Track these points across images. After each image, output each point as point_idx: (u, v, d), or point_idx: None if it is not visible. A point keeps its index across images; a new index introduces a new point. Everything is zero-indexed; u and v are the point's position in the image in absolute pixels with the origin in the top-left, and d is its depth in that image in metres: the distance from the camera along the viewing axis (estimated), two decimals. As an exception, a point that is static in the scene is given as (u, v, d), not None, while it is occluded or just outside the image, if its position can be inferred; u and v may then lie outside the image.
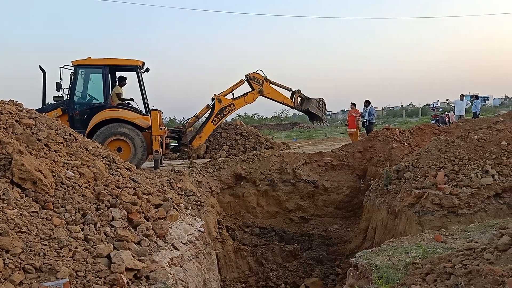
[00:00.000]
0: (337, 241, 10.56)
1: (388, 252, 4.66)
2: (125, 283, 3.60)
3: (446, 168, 7.71)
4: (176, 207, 6.18)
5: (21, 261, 3.29)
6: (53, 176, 4.58)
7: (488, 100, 65.37)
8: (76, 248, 3.72)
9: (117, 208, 4.74)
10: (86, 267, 3.57)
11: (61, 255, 3.55)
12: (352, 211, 11.65)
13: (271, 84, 14.03)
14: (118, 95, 10.73)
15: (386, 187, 8.62)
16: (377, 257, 4.57)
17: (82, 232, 4.03)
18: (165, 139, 11.34)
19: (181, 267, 4.62)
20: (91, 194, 4.77)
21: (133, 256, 3.99)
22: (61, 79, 9.96)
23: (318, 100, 14.68)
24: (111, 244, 4.03)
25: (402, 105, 68.51)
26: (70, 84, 10.16)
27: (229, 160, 11.78)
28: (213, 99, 13.72)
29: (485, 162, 7.59)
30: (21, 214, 3.78)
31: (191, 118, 14.44)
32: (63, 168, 4.91)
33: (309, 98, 14.61)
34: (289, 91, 14.42)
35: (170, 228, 5.30)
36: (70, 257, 3.59)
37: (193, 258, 5.24)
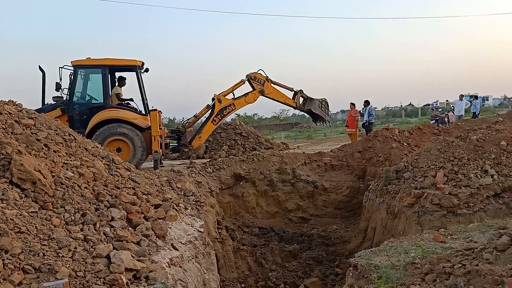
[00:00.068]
0: (337, 241, 10.56)
1: (388, 252, 4.66)
2: (125, 283, 3.60)
3: (445, 168, 7.72)
4: (176, 207, 6.18)
5: (21, 261, 3.29)
6: (53, 176, 4.58)
7: (487, 100, 65.43)
8: (75, 248, 3.72)
9: (116, 208, 4.74)
10: (85, 267, 3.57)
11: (61, 255, 3.55)
12: (351, 211, 11.65)
13: (272, 84, 13.92)
14: (118, 95, 10.72)
15: (386, 187, 8.62)
16: (376, 257, 4.57)
17: (81, 232, 4.03)
18: (165, 139, 11.33)
19: (180, 267, 4.62)
20: (91, 194, 4.77)
21: (133, 256, 3.99)
22: (60, 79, 9.96)
23: (320, 100, 14.56)
24: (111, 244, 4.03)
25: (401, 105, 68.60)
26: (70, 84, 10.16)
27: (228, 160, 11.78)
28: (213, 99, 13.68)
29: (485, 162, 7.60)
30: (20, 215, 3.78)
31: (190, 118, 14.42)
32: (62, 168, 4.91)
33: (312, 98, 14.49)
34: (291, 91, 14.30)
35: (170, 228, 5.30)
36: (70, 257, 3.59)
37: (192, 258, 5.24)
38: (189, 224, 6.07)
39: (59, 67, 9.95)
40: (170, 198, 6.35)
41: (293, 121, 48.28)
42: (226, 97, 13.82)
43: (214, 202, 10.32)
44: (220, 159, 12.19)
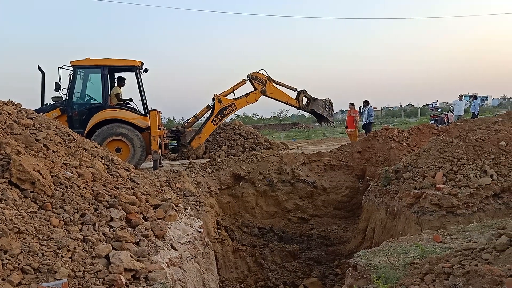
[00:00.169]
0: (336, 241, 10.56)
1: (387, 252, 4.66)
2: (124, 283, 3.59)
3: (444, 168, 7.72)
4: (175, 208, 6.17)
5: (20, 262, 3.29)
6: (52, 176, 4.57)
7: (487, 100, 65.56)
8: (74, 248, 3.72)
9: (115, 209, 4.74)
10: (84, 268, 3.57)
11: (60, 255, 3.54)
12: (351, 211, 11.66)
13: (274, 84, 13.85)
14: (117, 95, 10.72)
15: (385, 187, 8.62)
16: (375, 257, 4.57)
17: (80, 233, 4.03)
18: (164, 139, 11.33)
19: (179, 267, 4.62)
20: (90, 195, 4.77)
21: (132, 257, 3.99)
22: (59, 79, 9.96)
23: (324, 100, 14.48)
24: (110, 245, 4.03)
25: (401, 105, 68.67)
26: (69, 84, 10.16)
27: (228, 161, 11.78)
28: (213, 99, 13.65)
29: (484, 162, 7.60)
30: (19, 215, 3.77)
31: (190, 118, 14.41)
32: (61, 169, 4.90)
33: (315, 99, 14.40)
34: (294, 91, 14.22)
35: (169, 228, 5.29)
36: (69, 258, 3.59)
37: (192, 258, 5.24)
38: (188, 224, 6.06)
39: (59, 67, 9.96)
40: (170, 198, 6.35)
41: (292, 121, 48.32)
42: (226, 97, 13.77)
43: (214, 202, 10.32)
44: (219, 159, 12.18)
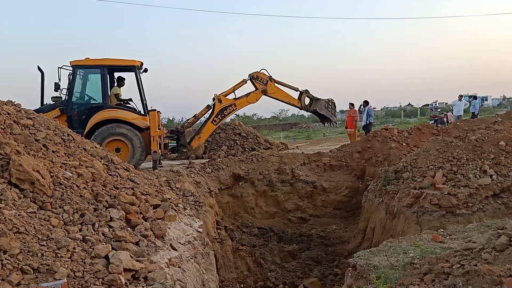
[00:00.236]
0: (336, 241, 10.56)
1: (387, 252, 4.66)
2: (123, 283, 3.59)
3: (444, 168, 7.72)
4: (175, 208, 6.17)
5: (19, 262, 3.29)
6: (51, 176, 4.57)
7: (486, 100, 65.58)
8: (74, 248, 3.72)
9: (115, 209, 4.73)
10: (84, 268, 3.56)
11: (59, 255, 3.54)
12: (350, 211, 11.66)
13: (276, 84, 13.76)
14: (117, 95, 10.72)
15: (385, 187, 8.62)
16: (375, 257, 4.58)
17: (80, 233, 4.03)
18: (164, 139, 11.33)
19: (179, 267, 4.62)
20: (89, 195, 4.77)
21: (131, 257, 3.99)
22: (59, 79, 9.96)
23: (327, 100, 14.38)
24: (109, 245, 4.03)
25: (400, 105, 68.65)
26: (69, 84, 10.16)
27: (227, 161, 11.78)
28: (213, 99, 13.61)
29: (483, 162, 7.60)
30: (19, 215, 3.77)
31: (190, 118, 14.38)
32: (61, 169, 4.90)
33: (318, 99, 14.31)
34: (296, 91, 14.11)
35: (169, 228, 5.29)
36: (68, 258, 3.59)
37: (191, 258, 5.23)
38: (188, 224, 6.06)
39: (58, 67, 9.95)
40: (169, 198, 6.35)
41: (292, 121, 48.33)
42: (227, 97, 13.70)
43: (213, 202, 10.32)
44: (219, 159, 12.18)
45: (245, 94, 13.84)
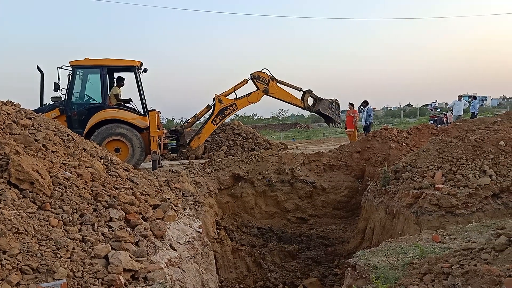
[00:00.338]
0: (335, 241, 10.56)
1: (386, 252, 4.66)
2: (123, 283, 3.59)
3: (444, 168, 7.73)
4: (174, 208, 6.17)
5: (18, 262, 3.29)
6: (51, 176, 4.57)
7: (486, 100, 65.59)
8: (73, 248, 3.72)
9: (114, 209, 4.73)
10: (83, 268, 3.56)
11: (59, 255, 3.54)
12: (350, 211, 11.66)
13: (278, 84, 13.64)
14: (116, 95, 10.71)
15: (384, 188, 8.63)
16: (375, 257, 4.58)
17: (79, 233, 4.03)
18: (163, 139, 11.33)
19: (179, 267, 4.62)
20: (89, 195, 4.77)
21: (131, 257, 3.99)
22: (59, 79, 9.95)
23: (330, 100, 14.22)
24: (109, 245, 4.03)
25: (400, 106, 68.58)
26: (68, 84, 10.15)
27: (227, 161, 11.78)
28: (214, 99, 13.57)
29: (483, 162, 7.61)
30: (18, 215, 3.77)
31: (190, 118, 14.36)
32: (60, 169, 4.90)
33: (321, 99, 14.15)
34: (299, 91, 13.96)
35: (168, 228, 5.29)
36: (68, 258, 3.59)
37: (191, 258, 5.24)
38: (187, 225, 6.06)
39: (58, 68, 9.95)
40: (169, 199, 6.35)
41: (292, 121, 48.34)
42: (227, 97, 13.62)
43: (213, 203, 10.32)
44: (218, 159, 12.18)
45: (246, 94, 13.71)
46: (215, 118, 13.43)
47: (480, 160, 7.68)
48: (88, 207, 4.50)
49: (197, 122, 16.01)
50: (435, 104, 50.53)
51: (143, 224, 4.83)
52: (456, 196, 7.01)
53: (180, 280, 4.38)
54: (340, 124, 15.40)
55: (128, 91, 11.23)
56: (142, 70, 10.84)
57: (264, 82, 13.46)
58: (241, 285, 8.86)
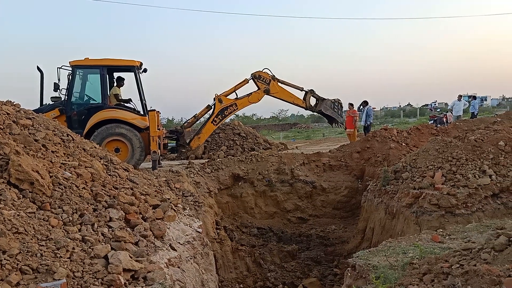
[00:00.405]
0: (335, 241, 10.56)
1: (386, 252, 4.66)
2: (123, 283, 3.59)
3: (443, 168, 7.73)
4: (174, 208, 6.17)
5: (18, 262, 3.29)
6: (51, 176, 4.57)
7: (486, 100, 65.62)
8: (73, 248, 3.72)
9: (114, 209, 4.73)
10: (83, 268, 3.57)
11: (58, 255, 3.54)
12: (350, 211, 11.66)
13: (280, 84, 13.57)
14: (116, 95, 10.72)
15: (384, 188, 8.63)
16: (374, 257, 4.58)
17: (79, 233, 4.03)
18: (163, 139, 11.33)
19: (178, 267, 4.62)
20: (89, 195, 4.77)
21: (131, 257, 3.99)
22: (58, 79, 9.95)
23: (333, 101, 14.14)
24: (109, 245, 4.03)
25: (400, 106, 68.57)
26: (68, 84, 10.15)
27: (227, 161, 11.77)
28: (214, 99, 13.55)
29: (483, 162, 7.61)
30: (18, 215, 3.77)
31: (190, 118, 14.35)
32: (60, 169, 4.90)
33: (324, 99, 14.07)
34: (301, 91, 13.89)
35: (168, 228, 5.29)
36: (67, 258, 3.59)
37: (191, 258, 5.24)
38: (187, 225, 6.06)
39: (57, 68, 9.95)
40: (169, 199, 6.35)
41: (291, 121, 48.35)
42: (228, 97, 13.59)
43: (213, 203, 10.32)
44: (218, 159, 12.18)
45: (247, 94, 13.67)
46: (215, 118, 13.41)
47: (480, 160, 7.68)
48: (88, 207, 4.50)
49: (197, 122, 16.00)
50: (435, 104, 50.63)
51: (143, 224, 4.83)
52: (456, 196, 7.01)
53: (180, 280, 4.38)
54: (343, 124, 15.33)
55: (128, 91, 11.25)
56: (142, 70, 10.84)
57: (265, 82, 13.40)
58: (241, 285, 8.86)
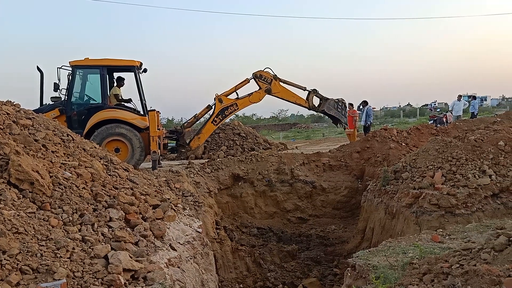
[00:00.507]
0: (335, 241, 10.56)
1: (386, 252, 4.66)
2: (123, 283, 3.59)
3: (443, 168, 7.73)
4: (174, 208, 6.17)
5: (18, 262, 3.29)
6: (51, 176, 4.57)
7: (485, 100, 65.63)
8: (73, 248, 3.72)
9: (114, 209, 4.74)
10: (83, 268, 3.57)
11: (58, 255, 3.54)
12: (350, 211, 11.66)
13: (282, 83, 13.44)
14: (116, 95, 10.72)
15: (384, 188, 8.63)
16: (374, 257, 4.58)
17: (79, 233, 4.03)
18: (163, 139, 11.33)
19: (178, 267, 4.62)
20: (89, 195, 4.77)
21: (131, 257, 3.99)
22: (58, 79, 9.96)
23: (336, 100, 13.98)
24: (109, 245, 4.03)
25: (400, 106, 68.60)
26: (68, 84, 10.15)
27: (227, 161, 11.77)
28: (215, 99, 13.50)
29: (483, 162, 7.61)
30: (18, 215, 3.77)
31: (190, 118, 14.34)
32: (60, 169, 4.90)
33: (327, 99, 13.92)
34: (304, 90, 13.75)
35: (168, 228, 5.29)
36: (67, 258, 3.59)
37: (191, 258, 5.24)
38: (187, 225, 6.06)
39: (57, 68, 9.95)
40: (169, 199, 6.35)
41: (291, 121, 48.35)
42: (228, 97, 13.52)
43: (213, 203, 10.32)
44: (218, 159, 12.18)
45: (248, 94, 13.56)
46: (215, 118, 13.36)
47: (480, 160, 7.68)
48: (88, 207, 4.50)
49: (197, 122, 15.98)
50: (435, 104, 50.62)
51: (143, 224, 4.83)
52: (455, 196, 7.01)
53: (180, 280, 4.38)
54: (347, 125, 15.25)
55: (128, 91, 11.25)
56: (142, 70, 10.84)
57: (266, 82, 13.28)
58: (241, 285, 8.86)
